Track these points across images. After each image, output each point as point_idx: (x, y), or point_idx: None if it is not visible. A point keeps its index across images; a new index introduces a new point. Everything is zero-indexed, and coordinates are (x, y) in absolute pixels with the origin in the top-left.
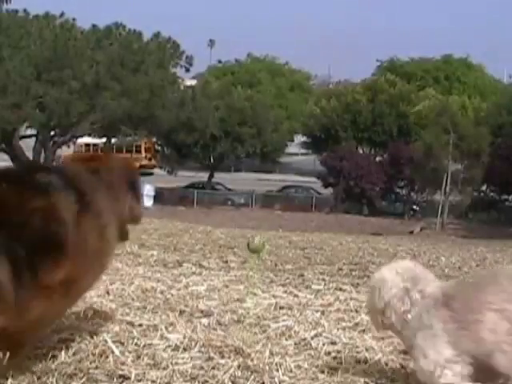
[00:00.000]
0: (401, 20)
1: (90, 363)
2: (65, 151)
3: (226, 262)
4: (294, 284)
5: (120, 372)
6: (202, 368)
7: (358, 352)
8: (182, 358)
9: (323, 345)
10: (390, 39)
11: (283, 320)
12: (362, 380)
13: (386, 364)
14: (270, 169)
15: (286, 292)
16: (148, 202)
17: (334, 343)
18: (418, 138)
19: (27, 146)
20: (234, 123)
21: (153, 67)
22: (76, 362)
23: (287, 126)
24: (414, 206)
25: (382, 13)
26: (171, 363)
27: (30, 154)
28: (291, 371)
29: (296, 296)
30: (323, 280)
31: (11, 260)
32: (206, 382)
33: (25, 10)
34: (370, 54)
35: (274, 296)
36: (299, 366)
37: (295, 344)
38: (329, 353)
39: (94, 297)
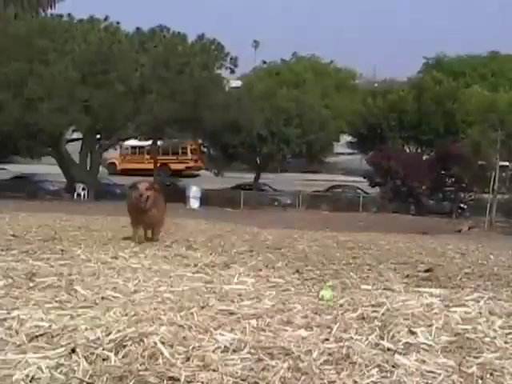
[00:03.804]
0: (448, 17)
1: (140, 365)
2: (111, 153)
3: (274, 263)
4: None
5: (170, 374)
6: (251, 369)
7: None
8: (232, 360)
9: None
10: (436, 36)
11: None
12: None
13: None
14: (317, 169)
15: None
16: (195, 203)
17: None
18: (464, 136)
19: (73, 150)
20: (279, 124)
21: (198, 69)
22: (126, 364)
23: (333, 126)
24: (462, 205)
25: (428, 10)
26: (221, 365)
27: (76, 158)
28: None
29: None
30: (369, 279)
31: None
32: (256, 383)
33: (69, 15)
34: (416, 53)
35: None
36: None
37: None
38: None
39: (142, 299)
